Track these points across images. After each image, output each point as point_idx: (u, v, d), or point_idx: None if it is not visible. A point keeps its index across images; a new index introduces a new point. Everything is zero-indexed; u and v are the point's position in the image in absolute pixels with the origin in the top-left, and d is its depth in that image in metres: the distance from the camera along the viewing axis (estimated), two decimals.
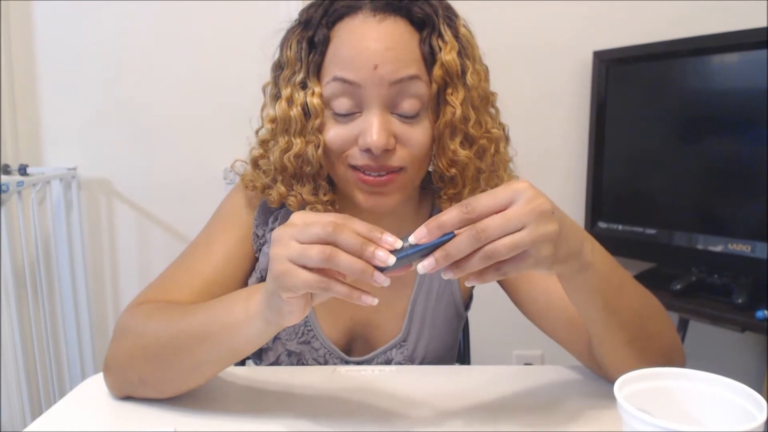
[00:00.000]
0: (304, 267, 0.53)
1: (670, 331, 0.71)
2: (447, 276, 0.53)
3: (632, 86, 1.71)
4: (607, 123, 1.74)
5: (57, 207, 1.81)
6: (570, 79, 1.84)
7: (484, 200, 0.52)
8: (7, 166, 1.72)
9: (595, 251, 0.60)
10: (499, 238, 0.51)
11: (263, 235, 0.81)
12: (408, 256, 0.52)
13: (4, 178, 1.57)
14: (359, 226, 0.53)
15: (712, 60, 1.53)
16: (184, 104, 1.84)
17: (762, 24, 1.42)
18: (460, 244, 0.51)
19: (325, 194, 0.75)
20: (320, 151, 0.71)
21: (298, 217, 0.55)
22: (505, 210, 0.51)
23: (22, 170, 1.68)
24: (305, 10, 0.74)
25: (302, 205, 0.75)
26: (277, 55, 0.76)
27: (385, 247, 0.52)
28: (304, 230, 0.53)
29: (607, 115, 1.74)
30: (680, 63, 1.59)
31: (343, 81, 0.68)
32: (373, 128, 0.67)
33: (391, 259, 0.52)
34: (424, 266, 0.52)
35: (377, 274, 0.52)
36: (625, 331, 0.65)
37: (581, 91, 1.83)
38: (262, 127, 0.78)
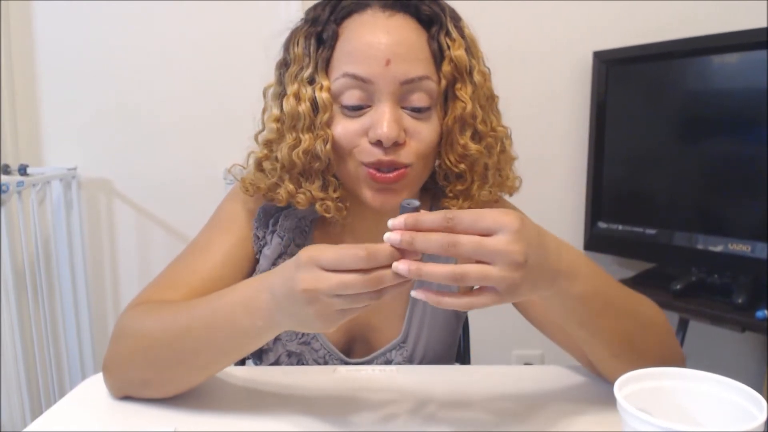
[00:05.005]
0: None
1: (664, 344, 0.69)
2: (417, 295, 0.53)
3: (632, 86, 1.71)
4: (607, 123, 1.74)
5: (57, 207, 1.80)
6: (570, 80, 1.84)
7: (468, 219, 0.51)
8: (7, 166, 1.72)
9: (575, 280, 0.57)
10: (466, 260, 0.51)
11: (263, 237, 0.81)
12: None
13: (4, 178, 1.56)
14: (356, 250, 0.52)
15: (712, 60, 1.53)
16: (185, 104, 1.84)
17: (762, 24, 1.42)
18: (429, 240, 0.50)
19: (335, 190, 0.74)
20: (329, 146, 0.70)
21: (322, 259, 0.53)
22: (484, 237, 0.50)
23: (22, 170, 1.68)
24: (312, 9, 0.74)
25: (312, 202, 0.74)
26: (281, 55, 0.76)
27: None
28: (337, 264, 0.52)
29: (607, 115, 1.74)
30: (680, 63, 1.59)
31: (354, 77, 0.68)
32: (384, 120, 0.67)
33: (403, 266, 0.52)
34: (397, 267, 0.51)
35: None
36: (608, 348, 0.65)
37: (581, 91, 1.83)
38: (262, 130, 0.77)
